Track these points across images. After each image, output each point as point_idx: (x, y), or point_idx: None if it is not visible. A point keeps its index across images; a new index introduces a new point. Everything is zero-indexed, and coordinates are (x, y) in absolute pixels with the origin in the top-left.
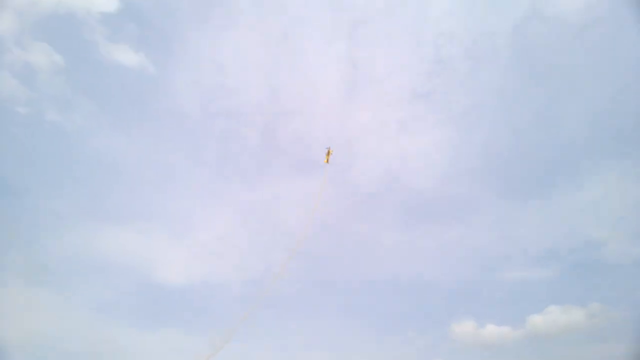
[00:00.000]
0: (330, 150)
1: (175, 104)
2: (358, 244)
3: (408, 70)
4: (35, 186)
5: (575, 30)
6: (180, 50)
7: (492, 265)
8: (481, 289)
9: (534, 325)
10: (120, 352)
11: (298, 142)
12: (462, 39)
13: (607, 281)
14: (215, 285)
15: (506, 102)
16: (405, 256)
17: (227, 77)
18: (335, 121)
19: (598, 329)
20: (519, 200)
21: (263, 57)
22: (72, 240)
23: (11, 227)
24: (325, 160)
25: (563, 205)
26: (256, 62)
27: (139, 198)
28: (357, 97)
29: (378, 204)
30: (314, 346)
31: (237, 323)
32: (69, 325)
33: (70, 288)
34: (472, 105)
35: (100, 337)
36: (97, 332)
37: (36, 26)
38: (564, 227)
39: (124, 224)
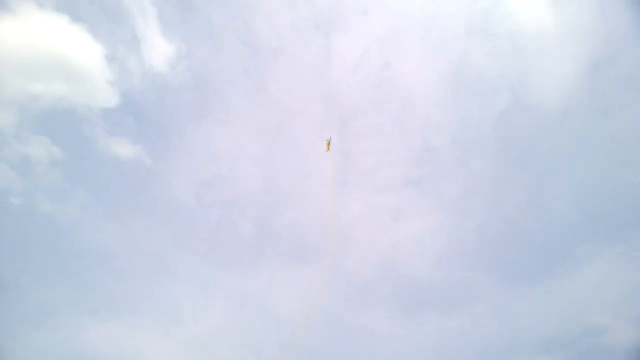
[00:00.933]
0: (330, 141)
1: (169, 195)
2: (354, 334)
3: (398, 160)
4: (24, 278)
5: (557, 118)
6: (177, 142)
7: (493, 355)
8: None
9: None
10: None
11: (292, 231)
12: (448, 129)
13: None
14: None
15: (496, 189)
16: (404, 347)
17: (222, 168)
18: (329, 209)
19: None
20: (518, 287)
21: (258, 149)
22: (57, 334)
23: None
24: (327, 149)
25: (562, 290)
26: (251, 154)
27: (129, 289)
28: (349, 186)
29: (374, 292)
30: None
31: None
32: None
33: None
34: (463, 192)
35: None
36: None
37: (37, 120)
38: (564, 313)
39: (112, 316)
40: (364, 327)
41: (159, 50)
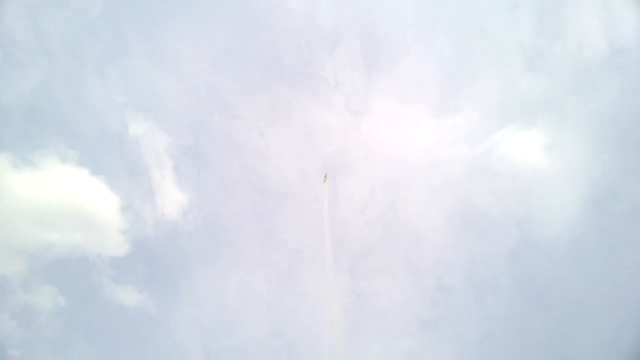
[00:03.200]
0: (326, 176)
1: (173, 342)
2: None
3: (412, 300)
4: None
5: (569, 254)
6: (185, 289)
7: None
8: None
9: None
10: None
11: None
12: (461, 268)
13: None
14: None
15: (516, 330)
16: None
17: (229, 314)
18: (341, 356)
19: None
20: None
21: (266, 293)
22: None
23: None
24: (324, 180)
25: None
26: (259, 298)
27: None
28: (362, 329)
29: None
30: None
31: None
32: None
33: None
34: (482, 333)
35: None
36: None
37: (46, 269)
38: None
39: None
40: None
41: (172, 199)
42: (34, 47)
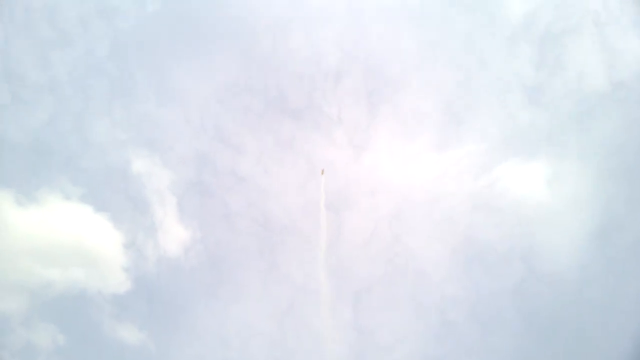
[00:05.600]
0: (323, 170)
1: None
2: None
3: (415, 336)
4: None
5: (574, 287)
6: (186, 326)
7: None
8: None
9: None
10: None
11: None
12: (465, 302)
13: None
14: None
15: None
16: None
17: (231, 350)
18: None
19: None
20: None
21: (269, 328)
22: None
23: None
24: (322, 173)
25: None
26: (262, 334)
27: None
28: None
29: None
30: None
31: None
32: None
33: None
34: None
35: None
36: None
37: (46, 306)
38: None
39: None
40: None
41: (174, 236)
42: (41, 84)
